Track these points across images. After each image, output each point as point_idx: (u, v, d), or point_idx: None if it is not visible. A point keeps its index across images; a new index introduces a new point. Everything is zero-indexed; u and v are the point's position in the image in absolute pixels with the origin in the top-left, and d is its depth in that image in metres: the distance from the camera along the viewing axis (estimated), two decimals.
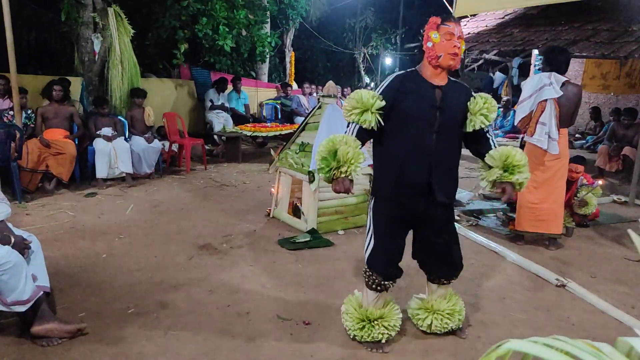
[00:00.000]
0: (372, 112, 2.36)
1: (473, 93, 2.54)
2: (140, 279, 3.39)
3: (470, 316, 3.03)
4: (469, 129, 2.49)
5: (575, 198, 4.83)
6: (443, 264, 2.67)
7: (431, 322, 2.72)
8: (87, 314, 2.85)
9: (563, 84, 4.02)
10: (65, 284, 3.24)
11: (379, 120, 2.39)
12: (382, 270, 2.56)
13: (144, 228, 4.50)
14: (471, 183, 7.05)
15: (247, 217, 4.93)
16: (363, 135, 2.44)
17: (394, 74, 2.53)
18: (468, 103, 2.49)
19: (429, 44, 2.41)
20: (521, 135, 7.40)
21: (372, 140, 2.57)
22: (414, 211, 2.52)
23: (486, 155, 2.51)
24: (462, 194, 6.09)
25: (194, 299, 3.10)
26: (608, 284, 3.62)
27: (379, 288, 2.60)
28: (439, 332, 2.73)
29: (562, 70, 4.08)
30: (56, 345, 2.50)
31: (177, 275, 3.48)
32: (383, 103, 2.38)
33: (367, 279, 2.61)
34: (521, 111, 4.20)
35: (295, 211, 4.76)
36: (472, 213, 5.35)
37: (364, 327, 2.59)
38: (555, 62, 4.09)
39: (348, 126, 2.48)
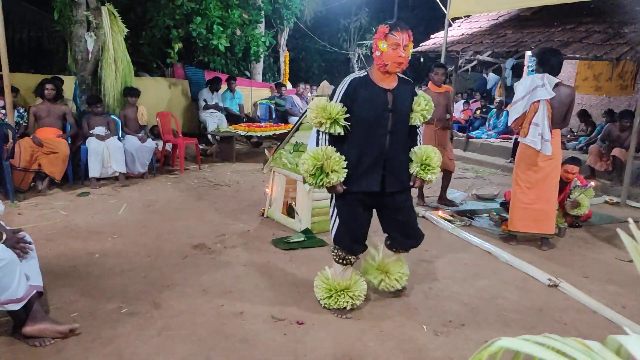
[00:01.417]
0: (338, 122, 2.67)
1: (417, 91, 2.88)
2: (134, 278, 3.38)
3: (462, 316, 3.04)
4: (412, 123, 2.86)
5: (568, 199, 4.86)
6: (407, 238, 3.03)
7: (381, 281, 3.13)
8: (80, 314, 2.84)
9: (556, 85, 4.04)
10: (58, 283, 3.22)
11: (345, 126, 2.71)
12: (347, 246, 2.88)
13: (137, 228, 4.48)
14: (465, 184, 7.08)
15: (241, 217, 4.93)
16: (331, 140, 2.76)
17: (348, 80, 2.77)
18: (412, 102, 2.81)
19: (377, 53, 2.68)
20: (514, 136, 7.46)
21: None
22: (371, 199, 2.86)
23: (411, 150, 2.88)
24: (455, 195, 6.12)
25: (188, 299, 3.10)
26: (600, 284, 3.64)
27: (344, 262, 2.91)
28: (386, 290, 3.14)
29: (555, 72, 4.11)
30: (48, 346, 2.49)
31: (171, 275, 3.47)
32: (345, 112, 2.69)
33: (334, 255, 2.93)
34: (514, 112, 4.23)
35: (289, 211, 4.76)
36: (465, 213, 5.37)
37: (331, 296, 2.93)
38: (548, 64, 4.11)
39: (319, 134, 2.77)
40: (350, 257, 2.91)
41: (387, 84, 2.74)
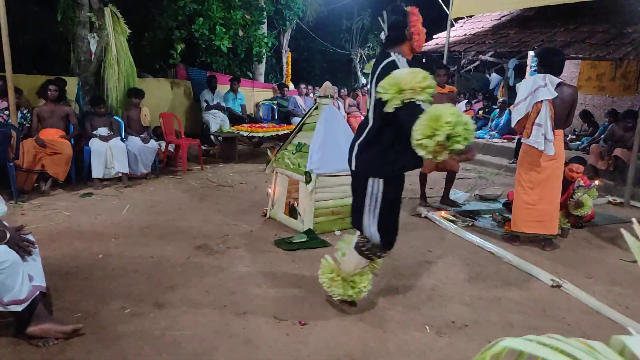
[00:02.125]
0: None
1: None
2: (137, 279, 3.38)
3: (465, 316, 3.04)
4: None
5: (571, 199, 4.85)
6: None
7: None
8: (84, 314, 2.85)
9: (558, 85, 4.04)
10: (61, 284, 3.23)
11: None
12: (392, 240, 2.85)
13: (141, 228, 4.49)
14: (467, 184, 7.08)
15: (243, 218, 4.93)
16: (384, 119, 2.64)
17: (405, 63, 2.67)
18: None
19: (418, 36, 2.72)
20: (517, 136, 7.45)
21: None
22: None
23: None
24: (458, 195, 6.12)
25: (191, 300, 3.10)
26: (603, 285, 3.64)
27: (376, 258, 2.89)
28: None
29: (557, 72, 4.10)
30: (52, 346, 2.49)
31: (174, 275, 3.47)
32: None
33: (369, 252, 2.83)
34: (517, 113, 4.22)
35: (292, 212, 4.76)
36: (468, 214, 5.36)
37: (354, 293, 2.93)
38: (550, 64, 4.11)
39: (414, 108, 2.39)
40: (383, 254, 2.89)
41: None
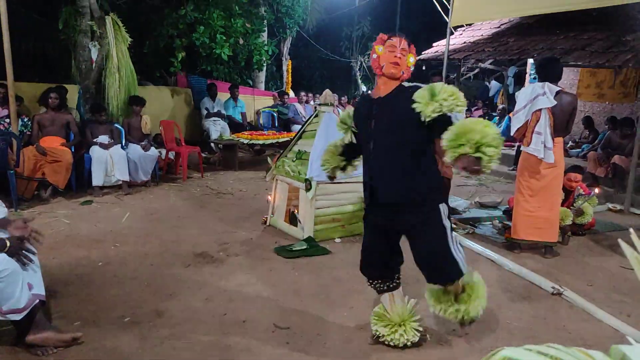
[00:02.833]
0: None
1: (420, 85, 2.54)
2: (136, 287, 3.38)
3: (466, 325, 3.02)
4: (427, 118, 2.39)
5: (572, 207, 4.85)
6: (431, 270, 2.57)
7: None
8: (83, 322, 2.84)
9: (557, 93, 4.05)
10: (61, 292, 3.22)
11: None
12: (361, 267, 2.78)
13: (140, 236, 4.49)
14: (467, 191, 7.07)
15: (243, 225, 4.93)
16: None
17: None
18: (414, 99, 2.41)
19: (374, 56, 2.57)
20: (517, 144, 7.46)
21: None
22: (385, 219, 2.59)
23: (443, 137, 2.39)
24: (458, 202, 6.11)
25: (191, 308, 3.10)
26: (604, 292, 3.62)
27: (374, 288, 2.77)
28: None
29: (555, 80, 4.12)
30: (52, 355, 2.49)
31: (174, 283, 3.47)
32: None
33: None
34: (517, 121, 4.23)
35: (292, 219, 4.76)
36: (468, 221, 5.36)
37: (395, 331, 2.67)
38: (548, 72, 4.13)
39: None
40: (374, 283, 2.74)
41: (381, 92, 2.55)
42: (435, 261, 2.52)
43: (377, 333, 2.72)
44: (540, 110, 4.05)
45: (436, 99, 2.34)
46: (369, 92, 2.80)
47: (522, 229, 4.30)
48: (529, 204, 4.25)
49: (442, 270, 2.51)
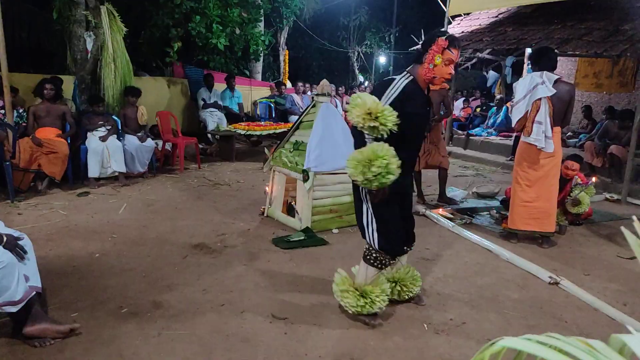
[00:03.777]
0: (387, 126, 2.50)
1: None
2: (134, 278, 3.37)
3: (463, 314, 3.04)
4: None
5: (568, 197, 4.86)
6: (412, 232, 3.06)
7: (400, 290, 3.03)
8: (80, 314, 2.84)
9: (555, 82, 4.04)
10: (58, 283, 3.22)
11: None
12: (397, 249, 2.87)
13: (137, 227, 4.48)
14: (465, 181, 7.08)
15: (241, 216, 4.92)
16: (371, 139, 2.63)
17: (401, 84, 2.66)
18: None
19: (430, 65, 2.64)
20: (514, 134, 7.45)
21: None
22: (401, 193, 2.85)
23: None
24: (455, 192, 6.12)
25: (188, 299, 3.10)
26: (601, 282, 3.64)
27: (384, 266, 2.83)
28: (406, 298, 3.05)
29: (550, 70, 4.10)
30: (49, 346, 2.48)
31: (171, 274, 3.46)
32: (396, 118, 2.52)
33: (375, 261, 2.80)
34: (517, 112, 4.21)
35: (290, 210, 4.75)
36: (465, 211, 5.36)
37: (365, 304, 2.78)
38: (543, 62, 4.11)
39: (360, 135, 2.61)
40: (392, 260, 2.87)
41: (424, 90, 2.78)
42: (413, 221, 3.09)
43: (337, 296, 2.90)
44: (539, 99, 4.04)
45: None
46: (412, 81, 2.69)
47: (520, 219, 4.31)
48: (526, 194, 4.25)
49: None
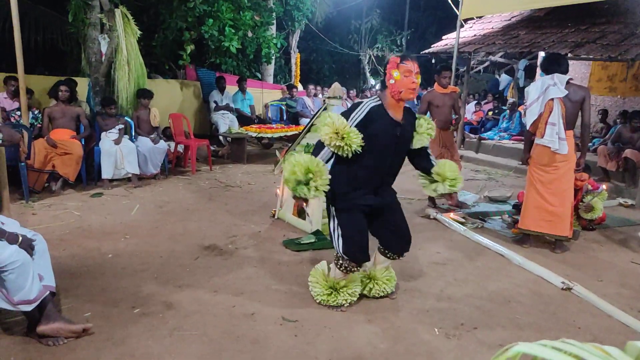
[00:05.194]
0: (351, 147, 2.72)
1: (415, 114, 3.04)
2: (146, 279, 3.40)
3: (475, 319, 3.02)
4: (417, 146, 3.02)
5: (581, 203, 4.81)
6: (401, 239, 3.10)
7: (370, 289, 3.19)
8: (93, 313, 2.86)
9: (567, 83, 4.02)
10: (71, 283, 3.25)
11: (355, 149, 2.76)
12: (355, 257, 2.93)
13: (150, 228, 4.51)
14: (477, 185, 7.04)
15: (252, 218, 4.94)
16: (330, 157, 2.85)
17: (367, 107, 2.83)
18: (415, 127, 2.99)
19: (392, 81, 2.79)
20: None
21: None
22: (368, 206, 2.96)
23: (432, 172, 3.10)
24: (467, 197, 6.08)
25: (199, 300, 3.11)
26: (614, 288, 3.60)
27: (348, 272, 2.98)
28: (376, 295, 3.18)
29: (561, 73, 4.08)
30: (62, 345, 2.51)
31: (183, 275, 3.48)
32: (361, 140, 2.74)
33: (339, 266, 2.97)
34: (531, 114, 4.18)
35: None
36: (477, 215, 5.33)
37: (331, 293, 3.03)
38: (552, 68, 4.09)
39: (321, 146, 2.81)
40: (356, 268, 2.98)
41: (397, 114, 2.87)
42: (407, 231, 3.12)
43: (316, 293, 3.08)
44: (552, 100, 4.02)
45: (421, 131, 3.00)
46: (379, 105, 2.86)
47: (532, 221, 4.26)
48: (540, 196, 4.21)
49: (408, 236, 3.13)
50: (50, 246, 2.85)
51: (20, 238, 2.49)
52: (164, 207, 5.26)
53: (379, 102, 2.87)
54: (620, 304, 3.28)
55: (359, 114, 2.79)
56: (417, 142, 3.00)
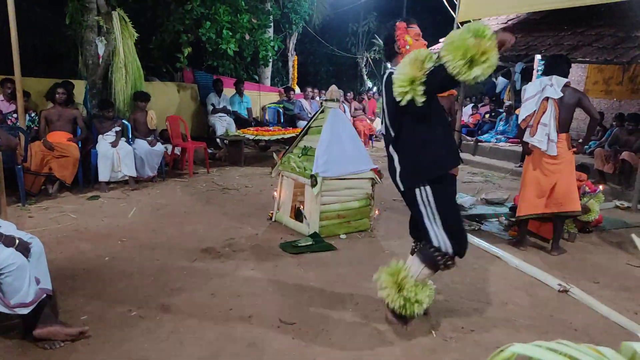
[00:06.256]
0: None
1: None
2: (143, 282, 3.39)
3: (472, 321, 3.02)
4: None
5: None
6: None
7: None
8: (90, 317, 2.86)
9: (564, 86, 4.04)
10: (68, 286, 3.24)
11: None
12: (465, 245, 2.66)
13: (147, 231, 4.50)
14: (473, 188, 7.05)
15: (249, 221, 4.94)
16: (413, 121, 2.61)
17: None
18: None
19: (407, 47, 2.69)
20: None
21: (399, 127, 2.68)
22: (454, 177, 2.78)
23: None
24: (464, 199, 6.09)
25: (197, 303, 3.11)
26: (611, 290, 3.61)
27: (448, 268, 2.67)
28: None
29: (561, 75, 4.10)
30: (59, 348, 2.50)
31: (180, 278, 3.48)
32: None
33: (442, 263, 2.62)
34: (525, 109, 4.22)
35: (298, 215, 4.76)
36: (474, 218, 5.34)
37: (410, 304, 2.63)
38: (555, 68, 4.11)
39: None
40: (454, 264, 2.69)
41: None
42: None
43: (382, 288, 2.70)
44: (547, 99, 4.04)
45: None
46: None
47: (528, 204, 4.22)
48: (538, 173, 4.18)
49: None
50: (46, 249, 2.84)
51: (17, 241, 2.49)
52: (161, 209, 5.25)
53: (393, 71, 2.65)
54: (617, 305, 3.29)
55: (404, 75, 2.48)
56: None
